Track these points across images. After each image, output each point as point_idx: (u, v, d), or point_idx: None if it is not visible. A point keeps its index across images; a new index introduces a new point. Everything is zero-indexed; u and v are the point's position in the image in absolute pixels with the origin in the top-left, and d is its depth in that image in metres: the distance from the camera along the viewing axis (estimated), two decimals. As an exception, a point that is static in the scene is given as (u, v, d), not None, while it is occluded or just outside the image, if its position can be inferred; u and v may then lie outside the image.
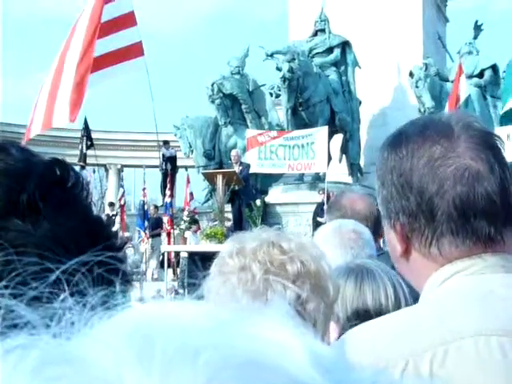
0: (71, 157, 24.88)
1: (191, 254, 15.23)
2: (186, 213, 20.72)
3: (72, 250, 0.74)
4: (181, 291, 17.02)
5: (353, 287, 2.06)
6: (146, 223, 19.77)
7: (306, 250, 1.58)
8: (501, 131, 15.72)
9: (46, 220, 0.74)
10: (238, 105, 22.03)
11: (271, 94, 24.05)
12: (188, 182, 21.65)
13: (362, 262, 2.15)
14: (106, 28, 12.13)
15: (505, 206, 1.27)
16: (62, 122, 11.88)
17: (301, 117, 20.12)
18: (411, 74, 21.52)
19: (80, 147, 21.41)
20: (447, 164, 1.27)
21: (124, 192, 23.16)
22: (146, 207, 20.16)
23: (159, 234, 20.26)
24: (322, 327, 1.51)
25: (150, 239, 19.92)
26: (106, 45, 12.14)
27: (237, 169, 17.65)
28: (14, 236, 0.72)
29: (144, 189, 20.87)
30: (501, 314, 1.23)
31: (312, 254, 1.58)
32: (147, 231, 19.73)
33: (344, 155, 21.62)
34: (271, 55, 20.50)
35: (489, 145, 1.31)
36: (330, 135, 19.50)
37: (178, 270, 17.93)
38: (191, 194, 21.46)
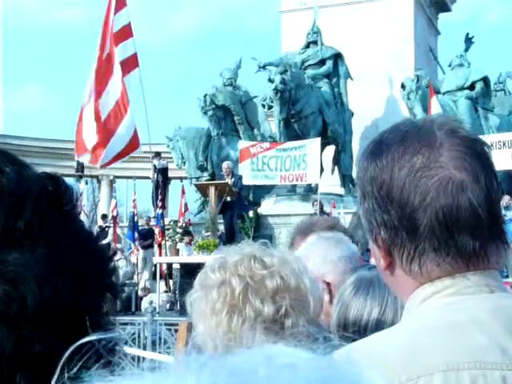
0: (65, 168, 24.88)
1: (183, 266, 15.18)
2: (179, 224, 20.64)
3: (67, 271, 0.74)
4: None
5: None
6: (136, 234, 19.67)
7: (287, 264, 1.59)
8: (495, 138, 15.76)
9: (41, 244, 0.73)
10: (230, 116, 22.05)
11: (263, 106, 24.09)
12: (183, 192, 21.60)
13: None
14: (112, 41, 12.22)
15: (490, 219, 1.17)
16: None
17: (293, 128, 20.14)
18: (403, 86, 21.59)
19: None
20: (429, 175, 1.17)
21: (116, 203, 23.08)
22: (136, 218, 20.08)
23: (151, 246, 20.16)
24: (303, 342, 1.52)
25: (142, 251, 19.82)
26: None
27: (229, 181, 17.58)
28: (13, 270, 0.71)
29: (134, 200, 20.79)
30: (479, 342, 1.11)
31: (294, 268, 1.58)
32: (137, 242, 19.63)
33: (336, 167, 21.65)
34: (263, 67, 20.54)
35: (475, 153, 1.20)
36: (323, 147, 19.51)
37: (171, 282, 17.85)
38: (186, 204, 21.41)
